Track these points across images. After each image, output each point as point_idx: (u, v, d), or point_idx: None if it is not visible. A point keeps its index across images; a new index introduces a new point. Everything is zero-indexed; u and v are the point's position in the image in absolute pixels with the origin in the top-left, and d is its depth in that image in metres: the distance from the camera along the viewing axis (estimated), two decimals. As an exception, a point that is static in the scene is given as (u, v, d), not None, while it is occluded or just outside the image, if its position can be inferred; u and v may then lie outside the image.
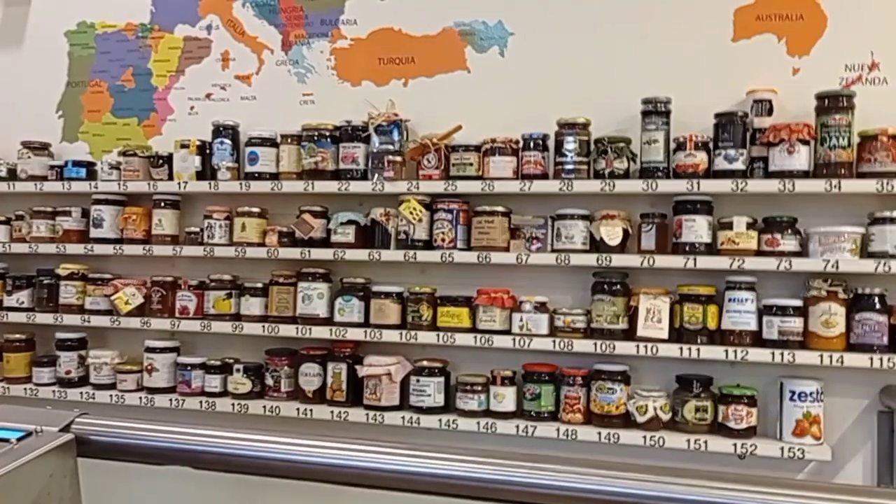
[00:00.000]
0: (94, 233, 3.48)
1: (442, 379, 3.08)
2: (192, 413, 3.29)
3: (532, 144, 3.00)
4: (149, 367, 3.37)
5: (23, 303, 3.56)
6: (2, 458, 1.18)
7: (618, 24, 3.09)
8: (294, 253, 3.20)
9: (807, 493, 1.07)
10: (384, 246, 3.13)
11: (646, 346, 2.84)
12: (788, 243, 2.78)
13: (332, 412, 3.13)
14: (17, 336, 3.55)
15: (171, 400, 3.32)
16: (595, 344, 2.89)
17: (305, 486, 1.27)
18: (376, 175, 3.12)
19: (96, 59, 3.70)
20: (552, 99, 3.09)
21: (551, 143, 3.02)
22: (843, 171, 2.71)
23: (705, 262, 2.81)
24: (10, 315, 3.54)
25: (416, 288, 3.12)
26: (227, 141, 3.34)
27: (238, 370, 3.28)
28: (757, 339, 2.80)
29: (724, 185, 2.79)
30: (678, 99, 2.90)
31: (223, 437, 1.28)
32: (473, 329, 3.04)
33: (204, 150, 3.37)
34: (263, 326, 3.23)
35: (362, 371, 3.11)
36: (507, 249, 3.03)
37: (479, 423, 2.98)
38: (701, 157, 2.83)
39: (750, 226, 2.82)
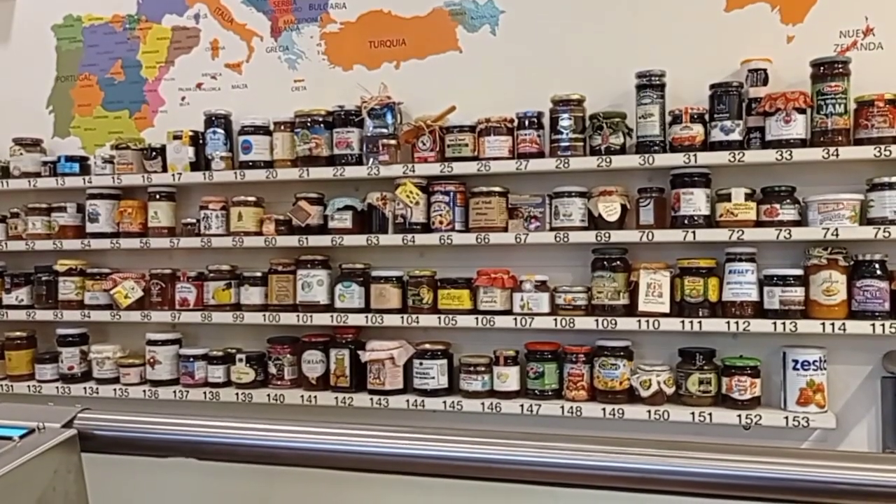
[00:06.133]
0: (90, 227, 3.46)
1: (445, 361, 3.08)
2: (196, 404, 3.30)
3: (527, 123, 2.98)
4: (151, 360, 3.38)
5: (22, 300, 3.55)
6: (5, 457, 1.17)
7: (609, -2, 3.06)
8: (292, 240, 3.19)
9: (813, 461, 1.06)
10: (382, 230, 3.12)
11: (647, 321, 2.83)
12: (787, 213, 2.77)
13: (336, 398, 3.13)
14: (18, 334, 3.55)
15: (174, 392, 3.32)
16: (597, 321, 2.88)
17: (312, 474, 1.27)
18: (371, 159, 3.10)
19: (84, 53, 3.67)
20: (545, 76, 3.07)
21: (546, 121, 3.00)
22: (840, 139, 2.69)
23: (704, 234, 2.80)
24: (10, 313, 3.54)
25: (416, 271, 3.11)
26: (220, 130, 3.32)
27: (241, 360, 3.28)
28: (758, 310, 2.80)
29: (722, 157, 2.77)
30: (672, 71, 2.88)
31: (225, 427, 1.27)
32: (474, 310, 3.04)
33: (197, 140, 3.35)
34: (264, 315, 3.23)
35: (365, 356, 3.11)
36: (505, 229, 3.02)
37: (483, 403, 2.99)
38: (697, 130, 2.81)
39: (748, 197, 2.80)
